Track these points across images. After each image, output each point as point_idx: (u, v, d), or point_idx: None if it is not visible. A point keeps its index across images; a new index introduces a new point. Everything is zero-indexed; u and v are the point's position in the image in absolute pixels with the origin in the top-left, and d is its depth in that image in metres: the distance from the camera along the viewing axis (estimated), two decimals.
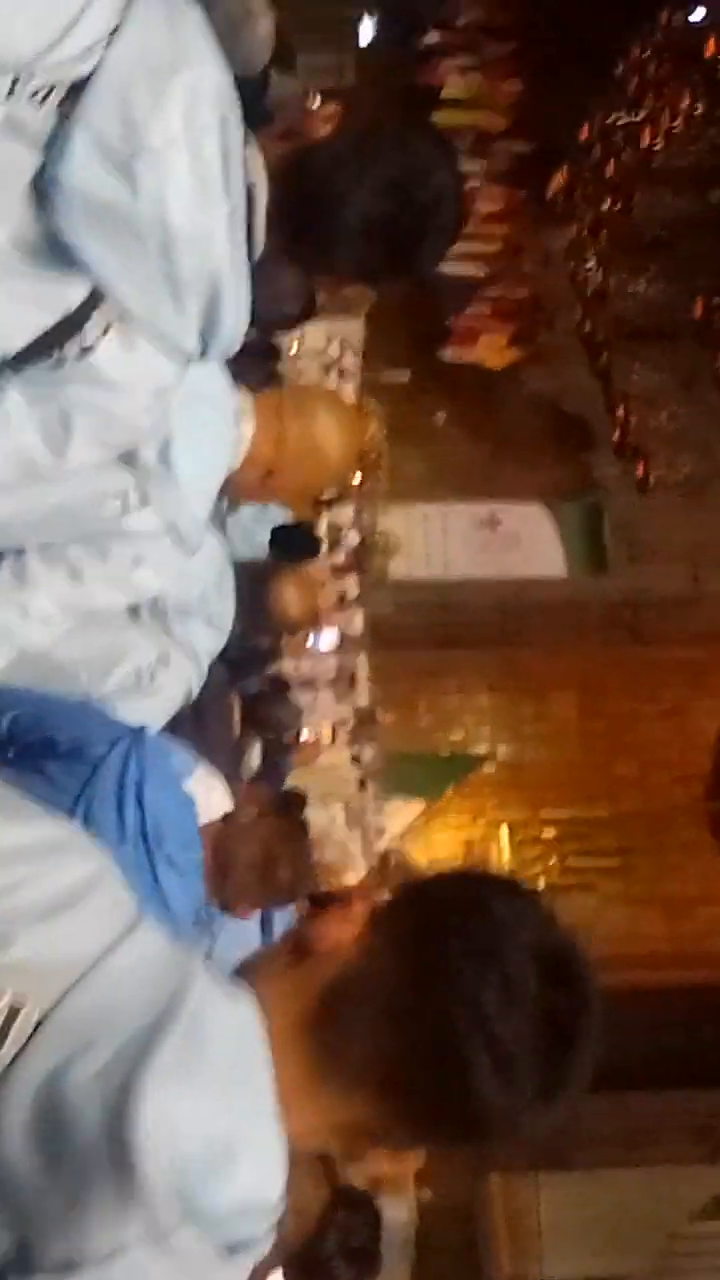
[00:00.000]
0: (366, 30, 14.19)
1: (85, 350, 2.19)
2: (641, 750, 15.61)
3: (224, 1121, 1.34)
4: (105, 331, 2.19)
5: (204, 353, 2.29)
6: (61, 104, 2.11)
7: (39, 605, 2.80)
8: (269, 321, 4.74)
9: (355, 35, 13.93)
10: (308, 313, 5.50)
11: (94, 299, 2.17)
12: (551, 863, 15.38)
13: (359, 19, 13.99)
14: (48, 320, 2.16)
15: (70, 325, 2.17)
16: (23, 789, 1.61)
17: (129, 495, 2.65)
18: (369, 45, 14.19)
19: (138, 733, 3.14)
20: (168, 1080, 1.30)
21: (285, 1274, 3.53)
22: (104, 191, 2.10)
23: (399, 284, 2.58)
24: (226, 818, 3.92)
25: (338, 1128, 1.49)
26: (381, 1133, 1.50)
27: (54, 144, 2.10)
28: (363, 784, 12.10)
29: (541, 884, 15.26)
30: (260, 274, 4.38)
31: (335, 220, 2.38)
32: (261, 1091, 1.40)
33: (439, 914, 1.50)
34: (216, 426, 2.86)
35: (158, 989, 1.38)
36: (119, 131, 2.10)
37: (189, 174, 2.12)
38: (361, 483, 12.67)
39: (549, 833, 15.44)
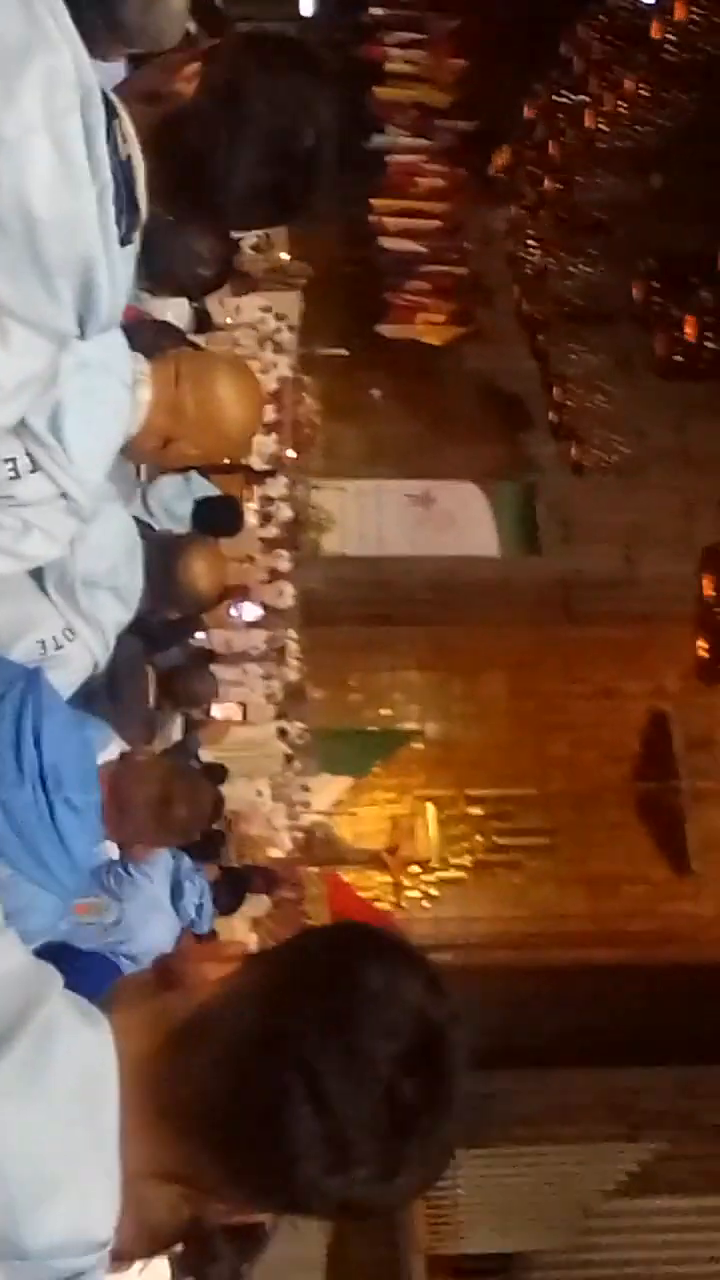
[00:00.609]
0: (308, 2, 14.11)
1: None
2: (571, 730, 15.68)
3: (56, 1148, 1.27)
4: None
5: (82, 333, 2.25)
6: None
7: None
8: (186, 285, 4.69)
9: (296, 5, 13.85)
10: (223, 276, 5.44)
11: None
12: (478, 840, 15.43)
13: None
14: None
15: None
16: None
17: (18, 462, 2.61)
18: (311, 17, 14.11)
19: (33, 675, 3.11)
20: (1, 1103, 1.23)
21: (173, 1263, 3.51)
22: None
23: (301, 222, 2.55)
24: (123, 756, 3.91)
25: (170, 1174, 1.42)
26: (210, 1188, 1.43)
27: None
28: (290, 759, 12.10)
29: (467, 861, 15.33)
30: (170, 238, 4.35)
31: (218, 187, 2.34)
32: (104, 1124, 1.32)
33: (306, 971, 1.43)
34: (110, 392, 2.80)
35: (5, 1004, 1.31)
36: None
37: (51, 160, 2.05)
38: (295, 457, 12.66)
39: (476, 810, 15.48)
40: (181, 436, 3.01)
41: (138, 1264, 3.33)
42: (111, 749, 4.26)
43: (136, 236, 2.23)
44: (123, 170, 2.17)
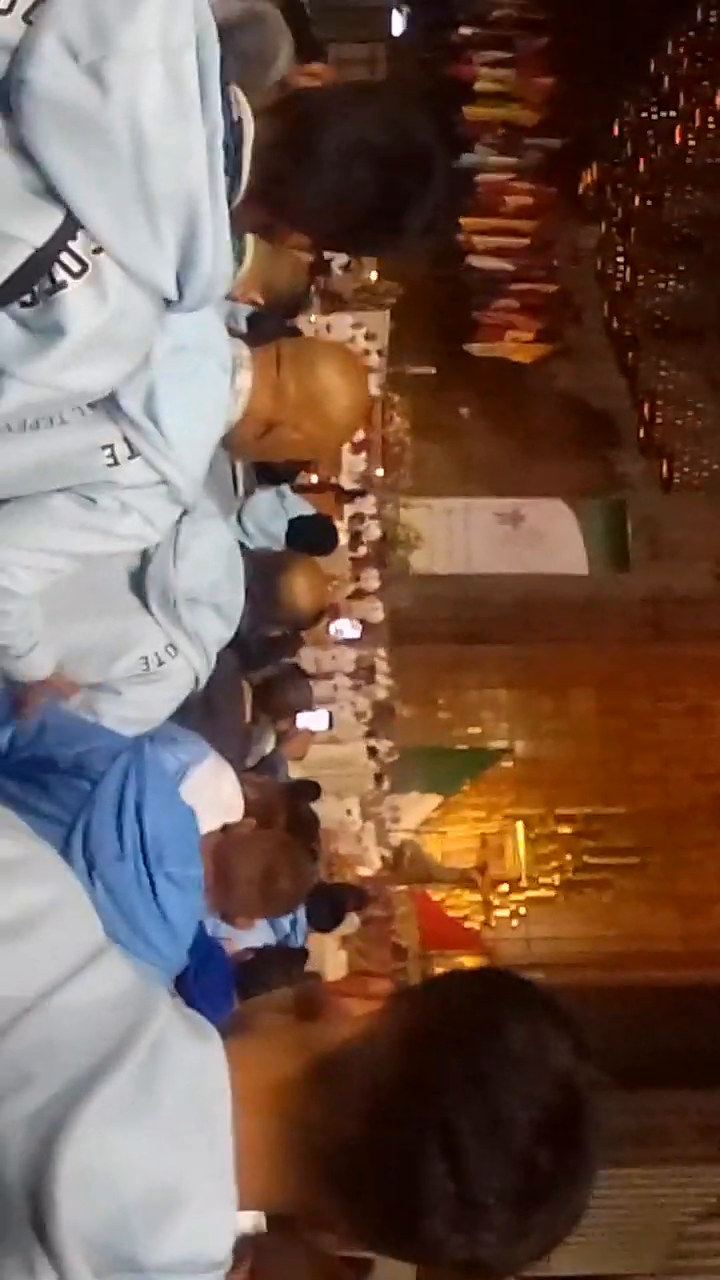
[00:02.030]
0: (398, 22, 14.14)
1: (55, 287, 2.11)
2: (660, 748, 15.58)
3: (172, 1166, 1.26)
4: (79, 273, 2.11)
5: (181, 294, 2.22)
6: (28, 14, 2.04)
7: (8, 556, 2.75)
8: (273, 291, 4.71)
9: (387, 26, 13.87)
10: (307, 290, 5.40)
11: (67, 230, 2.09)
12: (567, 859, 15.35)
13: (390, 10, 13.93)
14: (18, 256, 2.08)
15: (42, 258, 2.09)
16: (20, 800, 1.51)
17: (115, 446, 2.60)
18: (400, 36, 14.13)
19: (138, 749, 3.13)
20: (110, 1119, 1.22)
21: None
22: (73, 94, 2.01)
23: (383, 249, 2.51)
24: (226, 830, 3.90)
25: (287, 1204, 1.41)
26: (329, 1225, 1.42)
27: (21, 49, 2.02)
28: (379, 777, 12.09)
29: (556, 880, 15.26)
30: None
31: (319, 158, 2.32)
32: (216, 1140, 1.32)
33: (451, 1022, 1.39)
34: (209, 375, 2.77)
35: (113, 1024, 1.31)
36: (89, 31, 2.02)
37: (163, 85, 2.03)
38: (384, 476, 12.68)
39: (565, 829, 15.41)
40: (284, 421, 2.98)
41: None
42: (207, 763, 4.29)
43: (237, 202, 2.21)
44: (232, 132, 2.16)
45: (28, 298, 2.10)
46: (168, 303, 2.25)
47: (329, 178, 2.33)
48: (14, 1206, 1.19)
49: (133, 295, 2.18)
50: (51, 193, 2.06)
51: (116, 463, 2.61)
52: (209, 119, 2.09)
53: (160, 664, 3.42)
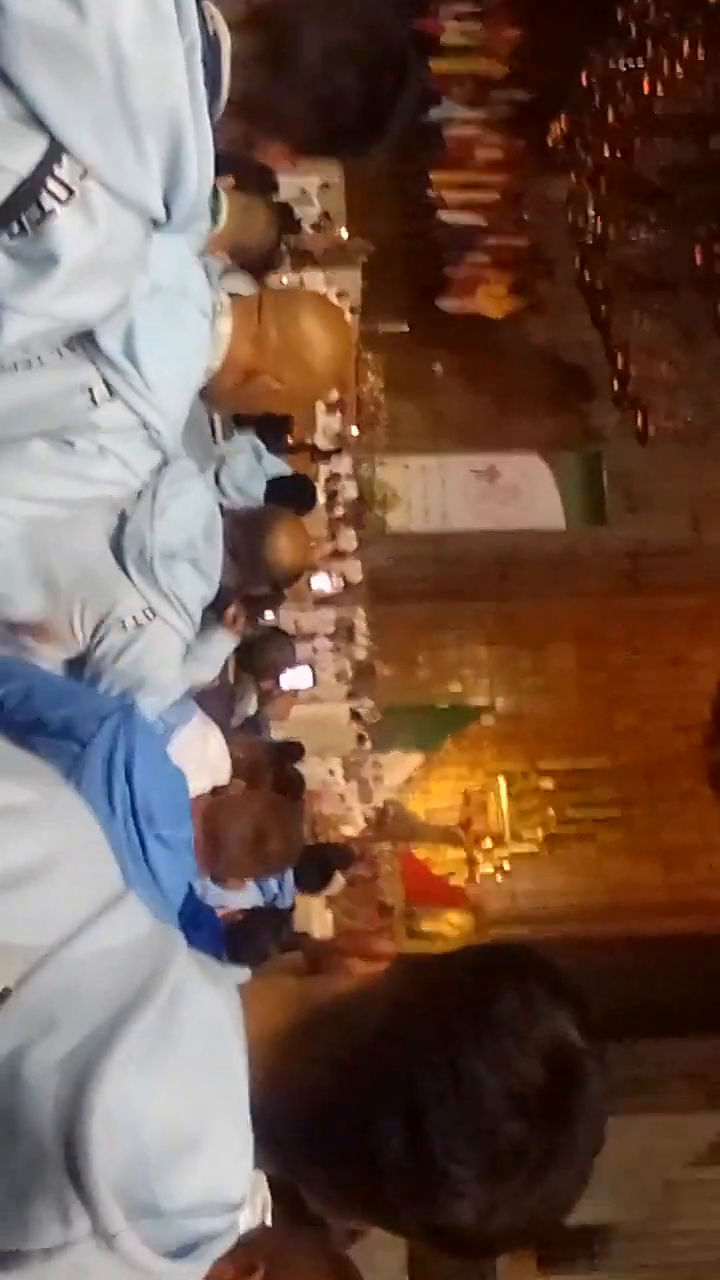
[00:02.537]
0: None
1: (44, 215, 2.09)
2: (640, 700, 15.63)
3: (190, 1111, 1.27)
4: (66, 199, 2.09)
5: (169, 213, 2.21)
6: None
7: None
8: (243, 250, 4.67)
9: None
10: (277, 244, 5.38)
11: (51, 157, 2.07)
12: (550, 814, 15.42)
13: None
14: (4, 186, 2.06)
15: (29, 187, 2.07)
16: None
17: (95, 388, 2.58)
18: None
19: (126, 710, 3.12)
20: (132, 1066, 1.23)
21: None
22: (49, 18, 1.99)
23: (365, 151, 2.48)
24: (216, 792, 3.91)
25: (278, 1164, 1.41)
26: (307, 1185, 1.42)
27: None
28: (361, 737, 12.11)
29: (540, 835, 15.32)
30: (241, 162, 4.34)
31: (301, 77, 2.31)
32: (233, 1082, 1.33)
33: (442, 987, 1.40)
34: (188, 319, 2.75)
35: (134, 970, 1.31)
36: None
37: (139, 3, 2.03)
38: (359, 434, 12.65)
39: (547, 784, 15.47)
40: (264, 370, 2.95)
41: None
42: (193, 723, 4.29)
43: (218, 116, 2.19)
44: (209, 46, 2.15)
45: (16, 228, 2.08)
46: (155, 224, 2.24)
47: (311, 84, 2.32)
48: (47, 1152, 1.20)
49: (121, 218, 2.16)
50: (34, 119, 2.04)
51: (96, 404, 2.59)
52: (186, 34, 2.08)
53: (138, 626, 3.42)
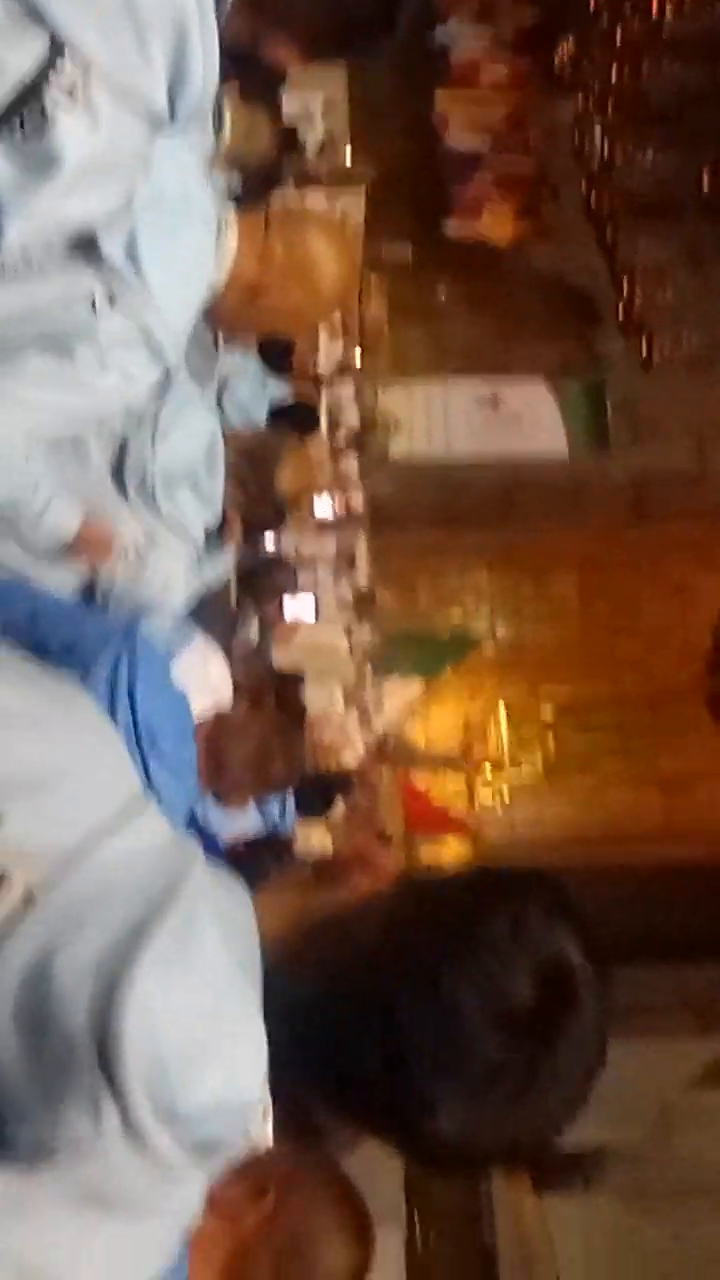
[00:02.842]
0: None
1: (47, 115, 2.05)
2: (642, 629, 15.60)
3: (208, 1016, 1.29)
4: (68, 99, 2.05)
5: (172, 112, 2.16)
6: None
7: None
8: (246, 163, 4.60)
9: None
10: (284, 144, 5.31)
11: (54, 55, 2.03)
12: (550, 742, 15.43)
13: None
14: (4, 84, 2.02)
15: (31, 87, 2.03)
16: None
17: (96, 295, 2.54)
18: None
19: (130, 631, 3.10)
20: (158, 971, 1.25)
21: None
22: None
23: (372, 44, 2.44)
24: (219, 714, 3.91)
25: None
26: (288, 1083, 1.43)
27: None
28: (361, 664, 12.09)
29: (540, 762, 15.35)
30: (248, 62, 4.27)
31: None
32: (248, 988, 1.35)
33: (437, 905, 1.42)
34: (193, 230, 2.71)
35: (155, 875, 1.33)
36: None
37: None
38: (362, 360, 12.55)
39: (548, 712, 15.48)
40: (270, 287, 2.91)
41: None
42: (194, 645, 4.27)
43: (225, 14, 2.16)
44: None
45: (18, 128, 2.05)
46: (159, 124, 2.20)
47: None
48: (79, 1049, 1.22)
49: (124, 118, 2.13)
50: (37, 18, 2.00)
51: (97, 313, 2.56)
52: None
53: (140, 555, 3.41)
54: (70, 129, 2.07)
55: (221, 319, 3.03)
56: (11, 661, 1.57)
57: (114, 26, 2.03)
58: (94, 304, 2.55)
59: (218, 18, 2.12)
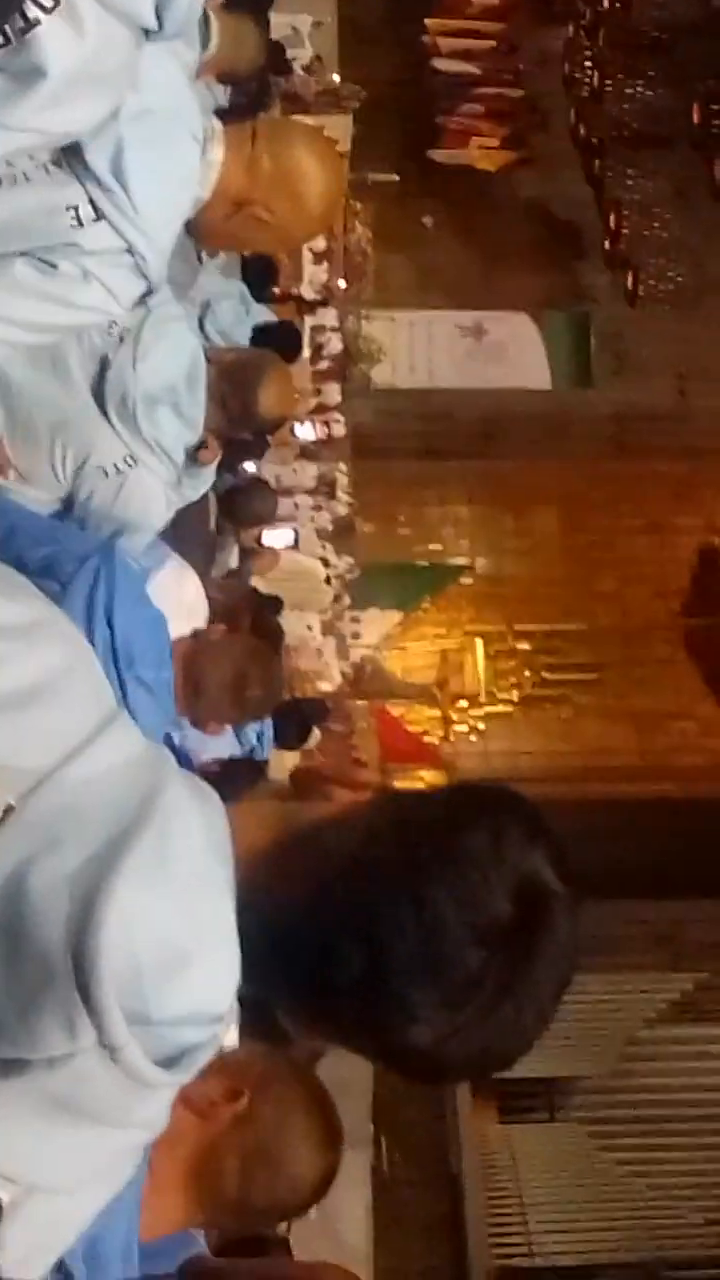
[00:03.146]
0: None
1: (29, 24, 2.02)
2: (621, 565, 15.61)
3: (183, 926, 1.29)
4: (51, 8, 2.01)
5: (160, 23, 2.13)
6: None
7: None
8: (232, 74, 4.54)
9: None
10: (277, 56, 5.22)
11: None
12: (526, 675, 15.46)
13: None
14: None
15: None
16: None
17: (80, 208, 2.51)
18: None
19: (107, 551, 3.08)
20: (134, 885, 1.24)
21: None
22: None
23: None
24: (197, 636, 3.89)
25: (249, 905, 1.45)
26: (264, 991, 1.45)
27: None
28: (339, 593, 12.09)
29: (515, 696, 15.38)
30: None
31: None
32: (223, 898, 1.35)
33: (417, 818, 1.42)
34: (179, 143, 2.66)
35: (131, 789, 1.33)
36: None
37: None
38: (346, 287, 12.47)
39: (524, 645, 15.50)
40: (255, 200, 2.86)
41: None
42: (169, 566, 4.25)
43: None
44: None
45: (1, 38, 2.00)
46: (147, 34, 2.16)
47: None
48: (55, 965, 1.22)
49: (110, 27, 2.08)
50: None
51: (81, 224, 2.52)
52: None
53: (119, 472, 3.38)
54: (55, 39, 2.03)
55: (205, 232, 2.98)
56: None
57: None
58: (78, 216, 2.51)
59: None
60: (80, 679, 1.41)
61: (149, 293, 2.79)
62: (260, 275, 6.64)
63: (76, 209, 2.50)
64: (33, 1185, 1.30)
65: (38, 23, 2.01)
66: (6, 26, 2.00)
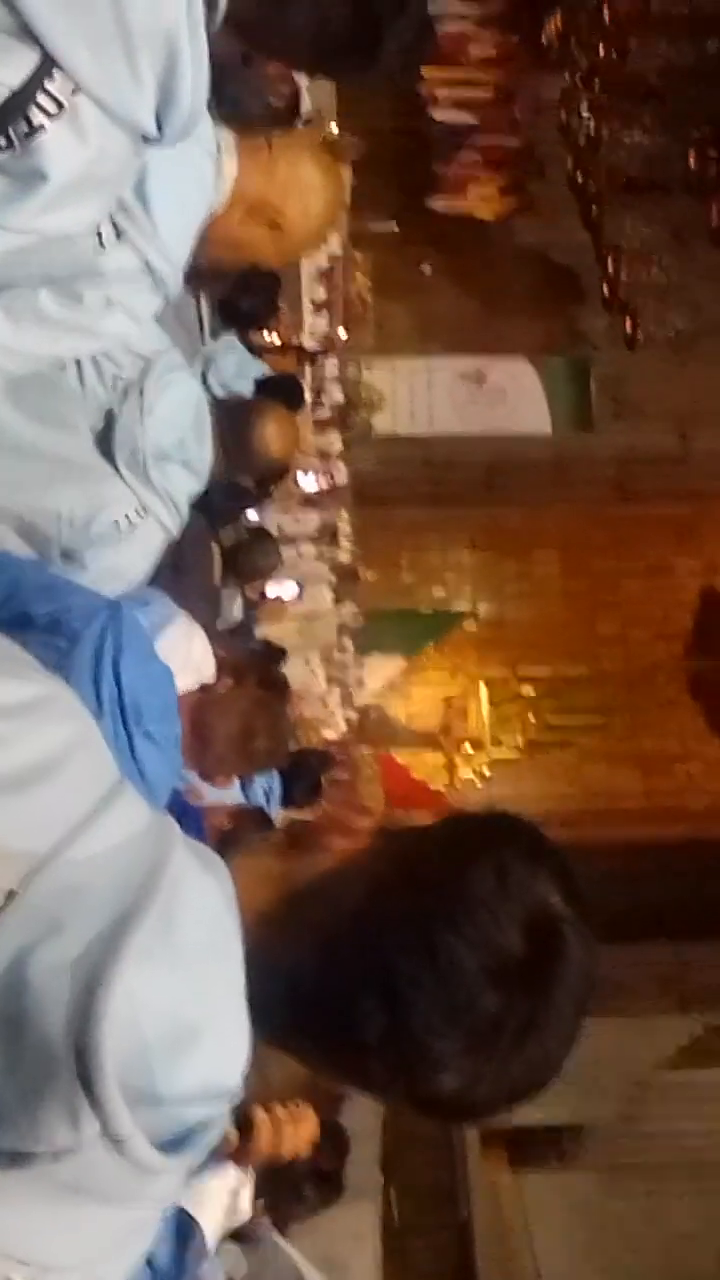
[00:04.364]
0: None
1: (33, 130, 2.06)
2: (623, 609, 15.63)
3: (191, 1001, 1.28)
4: (56, 115, 2.05)
5: (160, 131, 2.17)
6: None
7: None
8: (255, 117, 4.60)
9: None
10: (294, 109, 5.32)
11: (43, 71, 2.03)
12: (530, 720, 15.46)
13: None
14: None
15: (18, 101, 2.03)
16: None
17: (103, 230, 2.55)
18: None
19: (114, 607, 3.08)
20: (139, 966, 1.22)
21: (256, 1187, 3.58)
22: None
23: (358, 76, 2.47)
24: (204, 689, 3.89)
25: (265, 1035, 1.42)
26: (288, 1049, 1.46)
27: None
28: (343, 640, 12.10)
29: (520, 740, 15.37)
30: (240, 69, 4.28)
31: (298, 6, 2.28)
32: (231, 969, 1.34)
33: (420, 861, 1.41)
34: (195, 161, 2.72)
35: (133, 866, 1.31)
36: None
37: None
38: (346, 336, 12.52)
39: (528, 690, 15.50)
40: (267, 204, 2.95)
41: (228, 1185, 3.41)
42: (177, 623, 4.26)
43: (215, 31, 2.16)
44: None
45: (3, 142, 2.04)
46: (146, 139, 2.20)
47: (302, 7, 2.28)
48: (57, 1056, 1.20)
49: (111, 134, 2.12)
50: (27, 33, 1.99)
51: (104, 247, 2.55)
52: None
53: (131, 525, 3.39)
54: (58, 145, 2.06)
55: (214, 239, 3.03)
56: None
57: (105, 45, 2.02)
58: (100, 239, 2.55)
59: (207, 37, 2.11)
60: (83, 755, 1.39)
61: (165, 302, 2.84)
62: (261, 287, 6.63)
63: (99, 231, 2.54)
64: (44, 1266, 1.28)
65: (42, 128, 2.04)
66: (10, 131, 2.03)
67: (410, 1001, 1.33)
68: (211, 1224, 3.33)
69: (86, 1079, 1.19)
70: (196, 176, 2.76)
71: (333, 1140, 4.06)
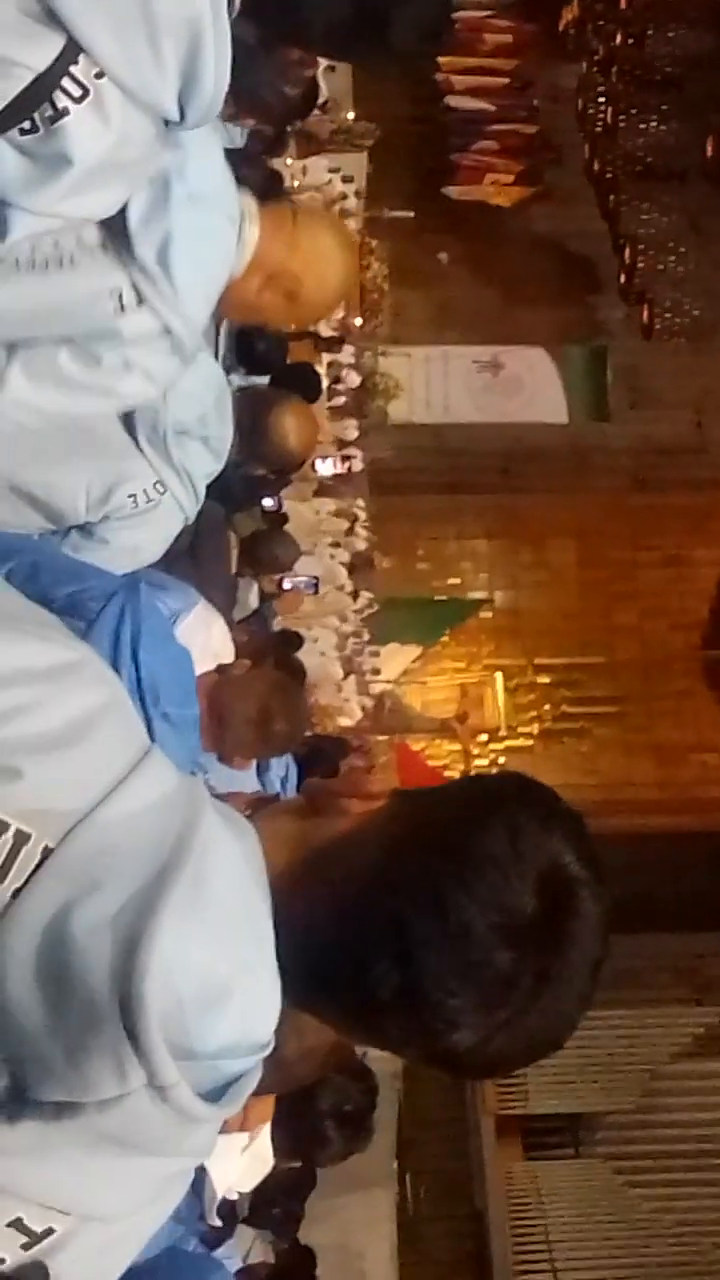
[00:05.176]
0: None
1: (58, 114, 2.08)
2: (639, 598, 15.60)
3: (223, 960, 1.31)
4: (80, 99, 2.08)
5: (183, 116, 2.19)
6: None
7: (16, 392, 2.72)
8: (272, 107, 4.60)
9: None
10: (310, 99, 5.33)
11: (68, 56, 2.05)
12: (546, 709, 15.45)
13: None
14: (18, 82, 2.04)
15: (43, 85, 2.06)
16: None
17: (124, 293, 2.57)
18: None
19: (132, 588, 3.09)
20: (176, 923, 1.25)
21: (274, 1132, 3.58)
22: None
23: (372, 57, 2.50)
24: (222, 671, 3.90)
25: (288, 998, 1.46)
26: (308, 1007, 1.48)
27: None
28: (359, 628, 12.10)
29: (535, 729, 15.36)
30: (255, 58, 4.28)
31: None
32: (261, 928, 1.37)
33: (433, 821, 1.43)
34: (217, 227, 2.76)
35: (166, 826, 1.34)
36: None
37: None
38: (362, 324, 12.51)
39: (544, 679, 15.48)
40: (285, 273, 2.98)
41: (241, 1142, 3.41)
42: (196, 610, 4.27)
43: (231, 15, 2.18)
44: None
45: (28, 125, 2.06)
46: (168, 124, 2.21)
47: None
48: (102, 1009, 1.23)
49: (135, 119, 2.15)
50: (52, 18, 2.02)
51: (124, 310, 2.57)
52: None
53: (149, 501, 3.39)
54: (83, 128, 2.08)
55: (230, 303, 3.07)
56: (30, 613, 1.56)
57: (129, 29, 2.05)
58: (121, 302, 2.57)
59: (230, 19, 2.14)
60: (113, 717, 1.42)
61: (182, 365, 2.86)
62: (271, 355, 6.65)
63: (120, 294, 2.56)
64: (85, 1216, 1.31)
65: (67, 112, 2.06)
66: (36, 114, 2.05)
67: (421, 960, 1.35)
68: (219, 1175, 3.36)
69: (132, 1029, 1.22)
70: (219, 242, 2.78)
71: (359, 1081, 4.07)
